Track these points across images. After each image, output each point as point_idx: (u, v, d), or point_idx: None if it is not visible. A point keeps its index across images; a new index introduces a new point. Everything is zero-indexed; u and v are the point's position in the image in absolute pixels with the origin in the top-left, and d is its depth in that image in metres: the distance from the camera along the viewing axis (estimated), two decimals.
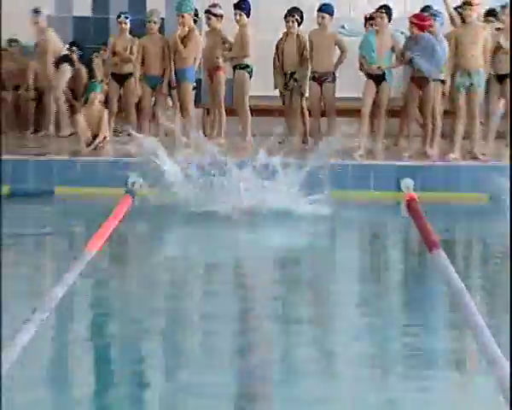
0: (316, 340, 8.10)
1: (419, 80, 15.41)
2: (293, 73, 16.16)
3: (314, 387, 6.95)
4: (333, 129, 15.73)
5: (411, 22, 15.50)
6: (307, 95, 16.45)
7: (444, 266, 9.14)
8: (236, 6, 16.01)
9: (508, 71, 16.04)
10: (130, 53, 17.04)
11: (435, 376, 6.77)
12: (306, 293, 10.23)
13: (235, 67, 16.05)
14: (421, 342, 7.86)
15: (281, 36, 16.35)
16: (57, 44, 17.52)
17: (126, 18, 17.26)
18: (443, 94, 15.94)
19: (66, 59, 17.59)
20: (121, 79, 16.97)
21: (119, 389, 6.91)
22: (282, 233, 12.73)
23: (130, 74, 16.87)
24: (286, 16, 16.02)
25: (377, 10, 15.74)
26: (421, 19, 15.63)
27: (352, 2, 18.47)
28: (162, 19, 17.09)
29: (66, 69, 17.44)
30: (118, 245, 11.49)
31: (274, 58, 16.30)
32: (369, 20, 16.65)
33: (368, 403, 6.40)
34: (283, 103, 16.47)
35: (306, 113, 16.69)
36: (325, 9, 15.75)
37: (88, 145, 15.42)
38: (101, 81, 17.28)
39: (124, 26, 17.12)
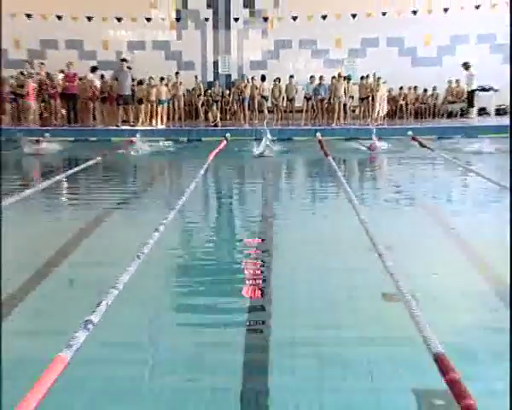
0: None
1: (320, 100, 17.65)
2: (276, 98, 17.95)
3: None
4: (293, 117, 18.08)
5: (320, 78, 17.65)
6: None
7: (330, 163, 10.65)
8: (261, 78, 17.97)
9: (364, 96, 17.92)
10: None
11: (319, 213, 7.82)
12: (275, 169, 11.74)
13: (261, 97, 17.90)
14: (317, 191, 9.55)
15: (273, 85, 17.88)
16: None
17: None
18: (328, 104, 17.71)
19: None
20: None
21: None
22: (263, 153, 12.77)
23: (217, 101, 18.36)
24: (274, 80, 17.84)
25: (310, 77, 17.75)
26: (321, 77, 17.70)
27: (300, 74, 18.38)
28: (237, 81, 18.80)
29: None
30: (221, 153, 12.32)
31: (271, 93, 17.95)
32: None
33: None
34: (273, 108, 18.04)
35: (281, 112, 18.13)
36: (291, 76, 17.85)
37: (212, 123, 17.45)
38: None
39: (215, 85, 18.94)
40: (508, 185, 8.07)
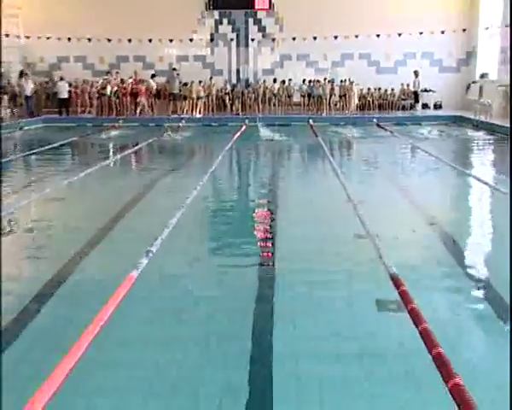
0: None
1: (313, 96, 16.44)
2: (280, 95, 16.66)
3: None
4: (292, 109, 16.53)
5: (310, 81, 16.50)
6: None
7: (319, 142, 10.51)
8: (273, 80, 16.86)
9: (342, 94, 16.51)
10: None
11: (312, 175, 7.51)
12: (274, 146, 10.79)
13: (272, 94, 16.67)
14: (305, 161, 9.33)
15: (279, 85, 16.68)
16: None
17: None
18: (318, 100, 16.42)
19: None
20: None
21: None
22: (271, 134, 12.05)
23: (238, 97, 16.87)
24: (280, 82, 16.64)
25: (303, 81, 16.61)
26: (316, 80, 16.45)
27: (297, 78, 16.84)
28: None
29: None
30: (242, 134, 11.84)
31: (277, 91, 16.59)
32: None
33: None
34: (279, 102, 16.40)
35: (284, 105, 16.72)
36: (290, 80, 16.61)
37: (235, 113, 16.31)
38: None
39: (237, 86, 17.55)
40: (434, 152, 8.37)
